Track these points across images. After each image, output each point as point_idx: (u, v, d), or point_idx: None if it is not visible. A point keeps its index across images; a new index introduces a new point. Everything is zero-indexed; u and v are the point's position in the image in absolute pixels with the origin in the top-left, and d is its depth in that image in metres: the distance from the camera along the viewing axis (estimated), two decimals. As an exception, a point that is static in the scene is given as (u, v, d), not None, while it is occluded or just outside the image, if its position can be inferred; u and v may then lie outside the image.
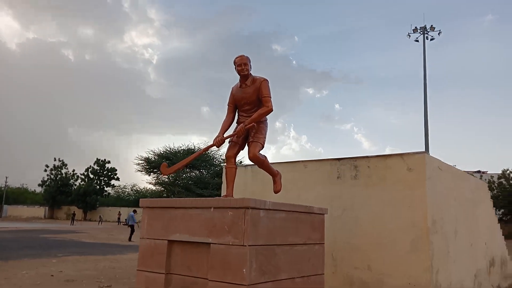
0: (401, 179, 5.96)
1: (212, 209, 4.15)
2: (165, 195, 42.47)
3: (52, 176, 69.11)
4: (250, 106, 5.21)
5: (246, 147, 5.19)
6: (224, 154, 5.20)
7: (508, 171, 42.34)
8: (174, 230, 4.42)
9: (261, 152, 5.13)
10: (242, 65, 5.11)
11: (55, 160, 69.89)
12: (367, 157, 6.34)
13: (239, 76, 5.23)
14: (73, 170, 70.22)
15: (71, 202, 65.80)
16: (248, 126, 4.96)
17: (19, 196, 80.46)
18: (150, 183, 46.82)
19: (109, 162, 68.97)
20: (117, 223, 54.24)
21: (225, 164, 5.14)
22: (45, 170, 69.15)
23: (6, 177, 78.24)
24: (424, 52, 32.93)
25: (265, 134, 5.22)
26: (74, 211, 56.03)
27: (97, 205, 66.07)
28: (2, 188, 76.47)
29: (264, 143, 5.15)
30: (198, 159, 40.72)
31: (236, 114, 5.41)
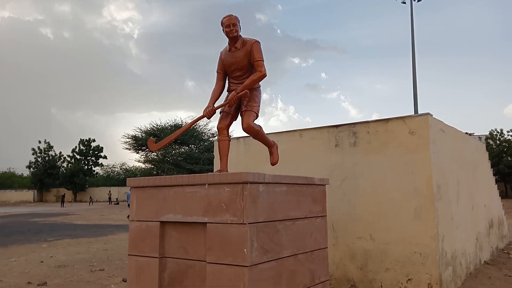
0: (403, 144, 5.65)
1: (206, 186, 3.79)
2: (154, 172, 42.09)
3: (39, 159, 68.10)
4: (241, 72, 4.79)
5: (239, 117, 4.82)
6: (216, 127, 4.81)
7: (495, 132, 42.66)
8: (166, 210, 4.07)
9: (255, 121, 4.75)
10: (230, 25, 4.65)
11: (40, 142, 68.73)
12: (366, 122, 6.00)
13: (227, 39, 4.79)
14: (60, 152, 69.23)
15: (60, 184, 65.14)
16: (240, 93, 4.56)
17: (6, 181, 79.10)
18: (139, 161, 46.28)
19: (94, 140, 68.05)
20: (108, 203, 53.99)
21: (217, 136, 4.76)
22: (33, 154, 68.03)
23: (-9, 162, 76.81)
24: (412, 12, 32.36)
25: (259, 102, 4.82)
26: (64, 193, 55.50)
27: (87, 186, 65.54)
28: (-12, 174, 75.17)
29: (258, 112, 4.76)
30: (186, 134, 40.23)
31: (227, 81, 5.00)
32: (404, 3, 34.97)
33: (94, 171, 69.06)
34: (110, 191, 57.53)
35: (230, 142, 4.93)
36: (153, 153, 41.68)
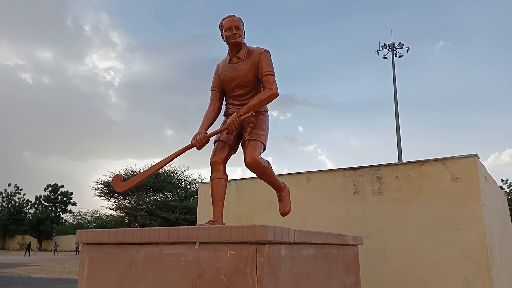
0: (445, 193, 4.43)
1: (197, 246, 2.44)
2: (127, 220, 39.65)
3: (4, 204, 64.51)
4: (244, 90, 3.58)
5: (240, 149, 3.57)
6: (209, 160, 3.49)
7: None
8: (133, 283, 2.67)
9: (262, 155, 3.50)
10: (232, 28, 3.50)
11: (9, 185, 65.36)
12: (394, 164, 4.80)
13: (227, 47, 3.62)
14: (27, 199, 65.80)
15: (25, 232, 61.39)
16: (244, 116, 3.31)
17: (-34, 225, 74.43)
18: (110, 208, 43.73)
19: (62, 186, 65.15)
20: (75, 253, 50.65)
21: (211, 174, 3.44)
22: (-3, 197, 64.52)
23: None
24: (394, 68, 32.56)
25: (267, 130, 3.60)
26: (30, 242, 52.03)
27: (54, 234, 61.93)
28: None
29: (266, 142, 3.52)
30: (163, 181, 38.36)
31: (224, 102, 3.77)
32: (386, 58, 35.35)
33: (62, 218, 65.60)
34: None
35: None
36: (126, 200, 39.52)
